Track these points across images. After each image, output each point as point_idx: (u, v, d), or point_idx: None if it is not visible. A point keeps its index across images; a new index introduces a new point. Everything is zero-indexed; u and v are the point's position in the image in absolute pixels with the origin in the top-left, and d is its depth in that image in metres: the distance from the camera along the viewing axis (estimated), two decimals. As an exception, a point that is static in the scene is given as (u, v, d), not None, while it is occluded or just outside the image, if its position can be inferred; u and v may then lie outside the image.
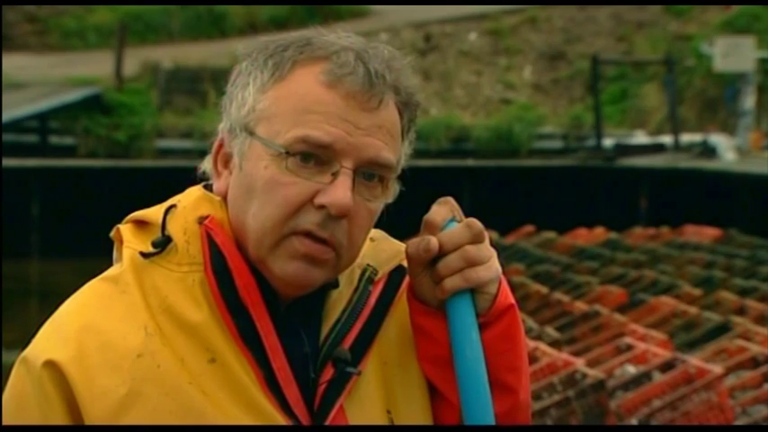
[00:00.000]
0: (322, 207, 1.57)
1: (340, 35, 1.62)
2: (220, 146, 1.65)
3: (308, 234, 1.58)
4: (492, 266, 1.62)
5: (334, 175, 1.58)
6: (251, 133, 1.60)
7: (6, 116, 22.20)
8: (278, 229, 1.58)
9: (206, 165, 1.69)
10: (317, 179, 1.58)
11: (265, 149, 1.58)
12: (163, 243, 1.63)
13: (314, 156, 1.58)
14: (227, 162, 1.64)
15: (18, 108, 23.32)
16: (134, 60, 26.11)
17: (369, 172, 1.60)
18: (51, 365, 1.56)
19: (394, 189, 1.66)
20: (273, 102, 1.59)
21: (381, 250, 1.69)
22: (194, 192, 1.68)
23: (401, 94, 1.62)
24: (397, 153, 1.63)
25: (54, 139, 24.61)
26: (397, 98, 1.62)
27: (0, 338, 12.17)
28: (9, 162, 21.17)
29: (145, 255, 1.62)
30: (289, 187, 1.57)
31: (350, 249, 1.62)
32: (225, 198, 1.64)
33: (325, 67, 1.58)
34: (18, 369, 1.60)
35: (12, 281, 18.10)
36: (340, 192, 1.57)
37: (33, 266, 21.75)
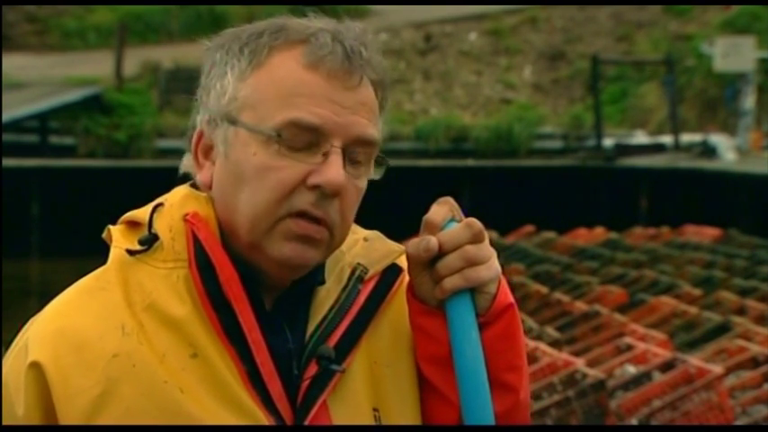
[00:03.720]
0: (315, 187, 1.59)
1: (311, 18, 1.64)
2: (200, 138, 1.65)
3: (302, 214, 1.59)
4: (492, 266, 1.63)
5: (326, 155, 1.59)
6: (234, 122, 1.60)
7: (6, 116, 22.20)
8: (273, 211, 1.59)
9: (186, 162, 1.70)
10: (309, 160, 1.59)
11: (252, 136, 1.59)
12: (149, 241, 1.64)
13: (304, 138, 1.59)
14: (207, 153, 1.65)
15: (18, 108, 23.32)
16: (134, 60, 26.12)
17: (355, 150, 1.62)
18: (36, 367, 1.58)
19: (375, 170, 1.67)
20: (255, 88, 1.60)
21: (374, 250, 1.69)
22: (181, 190, 1.68)
23: (376, 70, 1.64)
24: (378, 130, 1.64)
25: (54, 139, 24.61)
26: (372, 75, 1.63)
27: (0, 338, 12.16)
28: (9, 162, 21.18)
29: (131, 252, 1.63)
30: (281, 171, 1.58)
31: (341, 227, 1.63)
32: (209, 189, 1.64)
33: (304, 49, 1.60)
34: (17, 357, 1.61)
35: (12, 281, 18.11)
36: (333, 170, 1.58)
37: (33, 266, 21.75)
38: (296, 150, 1.58)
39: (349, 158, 1.61)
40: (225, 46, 1.64)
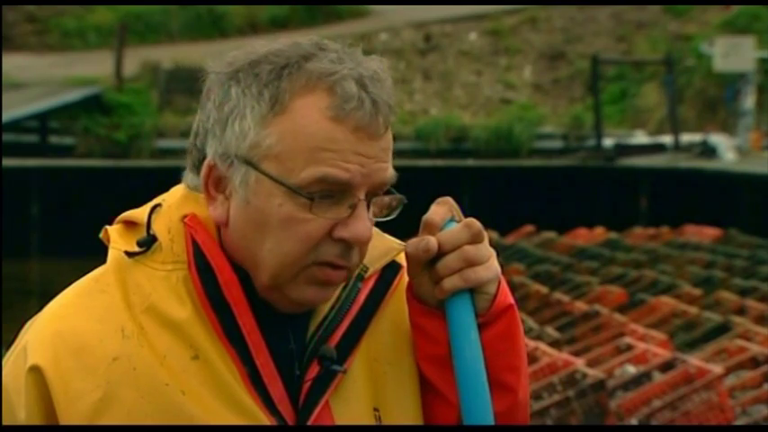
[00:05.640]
0: (341, 240, 1.59)
1: (328, 53, 1.59)
2: (210, 170, 1.62)
3: (327, 264, 1.60)
4: (491, 266, 1.63)
5: (352, 207, 1.59)
6: (255, 167, 1.58)
7: (6, 116, 22.20)
8: (299, 263, 1.59)
9: (190, 181, 1.67)
10: (334, 213, 1.58)
11: (277, 186, 1.57)
12: (148, 242, 1.63)
13: (330, 191, 1.58)
14: (218, 185, 1.62)
15: (18, 108, 23.33)
16: (134, 60, 26.12)
17: (376, 194, 1.62)
18: (36, 370, 1.58)
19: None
20: (280, 138, 1.57)
21: (373, 247, 1.68)
22: (179, 190, 1.68)
23: (393, 111, 1.62)
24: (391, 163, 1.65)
25: (54, 139, 24.62)
26: (392, 118, 1.62)
27: (0, 338, 12.16)
28: (9, 162, 21.18)
29: (130, 254, 1.63)
30: (308, 223, 1.58)
31: (359, 263, 1.65)
32: (225, 226, 1.62)
33: (330, 101, 1.57)
34: (17, 361, 1.61)
35: (12, 281, 18.11)
36: (361, 225, 1.59)
37: (33, 266, 21.76)
38: (322, 203, 1.58)
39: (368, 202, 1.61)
40: (240, 82, 1.60)
